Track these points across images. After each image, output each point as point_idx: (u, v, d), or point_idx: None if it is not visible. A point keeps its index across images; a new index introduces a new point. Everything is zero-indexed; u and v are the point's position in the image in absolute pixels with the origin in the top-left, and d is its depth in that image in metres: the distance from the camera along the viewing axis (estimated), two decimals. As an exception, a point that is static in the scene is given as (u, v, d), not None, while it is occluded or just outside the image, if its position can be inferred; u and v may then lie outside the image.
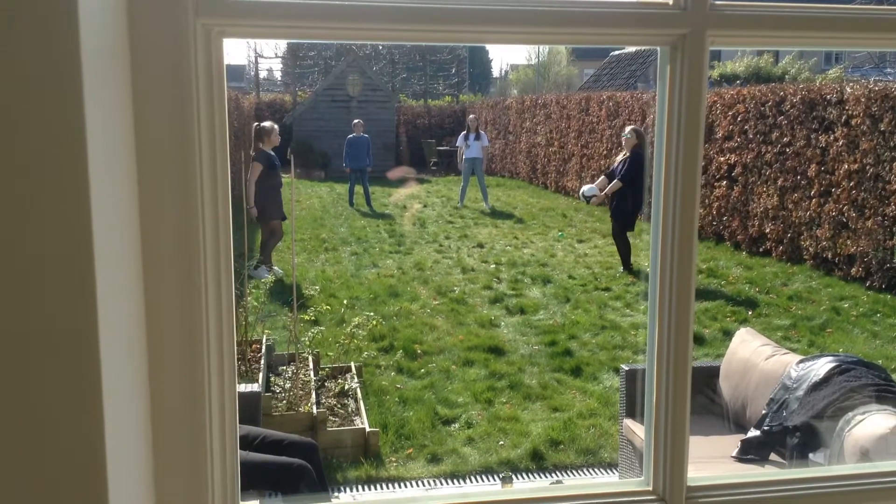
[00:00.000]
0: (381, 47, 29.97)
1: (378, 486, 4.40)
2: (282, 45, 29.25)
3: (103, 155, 0.74)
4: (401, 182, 20.05)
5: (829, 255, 9.34)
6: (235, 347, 0.96)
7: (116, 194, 0.79)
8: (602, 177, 9.92)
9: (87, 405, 0.74)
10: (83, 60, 0.70)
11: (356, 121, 15.58)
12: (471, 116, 16.18)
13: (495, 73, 58.91)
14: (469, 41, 0.91)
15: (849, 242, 9.01)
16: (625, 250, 9.55)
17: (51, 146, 0.70)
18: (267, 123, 8.99)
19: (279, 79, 32.07)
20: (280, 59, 29.17)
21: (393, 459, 4.66)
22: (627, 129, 9.47)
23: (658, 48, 0.90)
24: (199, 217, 0.87)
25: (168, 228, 0.86)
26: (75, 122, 0.70)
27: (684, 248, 0.95)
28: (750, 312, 7.83)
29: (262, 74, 30.30)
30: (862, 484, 1.04)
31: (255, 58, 27.66)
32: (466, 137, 15.15)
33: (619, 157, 9.60)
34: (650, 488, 0.95)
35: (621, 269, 9.61)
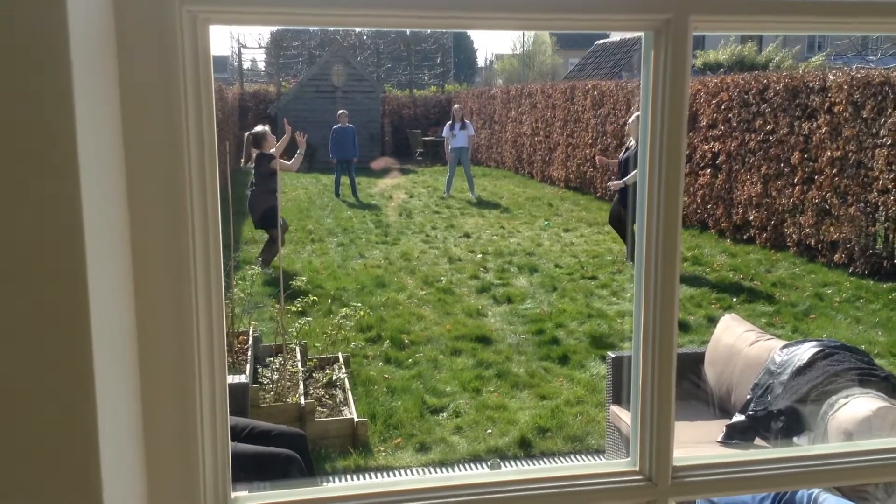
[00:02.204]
0: (365, 37, 29.86)
1: (367, 476, 4.41)
2: (265, 34, 29.06)
3: (92, 146, 0.74)
4: (385, 172, 20.03)
5: (813, 242, 9.42)
6: (225, 340, 0.96)
7: (105, 185, 0.79)
8: (615, 160, 9.46)
9: (81, 398, 0.74)
10: (72, 52, 0.69)
11: (341, 111, 15.52)
12: (455, 106, 16.15)
13: (480, 62, 58.86)
14: (452, 27, 0.91)
15: (832, 229, 9.09)
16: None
17: (40, 137, 0.70)
18: (260, 128, 8.51)
19: (263, 69, 31.91)
20: (264, 50, 29.00)
21: (381, 449, 4.67)
22: (633, 116, 9.27)
23: (642, 34, 0.91)
24: (188, 207, 0.87)
25: (157, 219, 0.86)
26: (64, 113, 0.70)
27: (669, 234, 0.96)
28: (734, 299, 7.89)
29: (246, 65, 30.11)
30: (844, 463, 1.06)
31: (239, 48, 27.47)
32: (452, 127, 15.14)
33: (627, 143, 9.21)
34: (636, 468, 0.96)
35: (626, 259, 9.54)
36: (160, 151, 0.85)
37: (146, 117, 0.84)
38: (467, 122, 15.54)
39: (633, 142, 8.73)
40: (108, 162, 0.81)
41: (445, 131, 15.48)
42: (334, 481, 4.33)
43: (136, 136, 0.84)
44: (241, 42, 27.65)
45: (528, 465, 4.58)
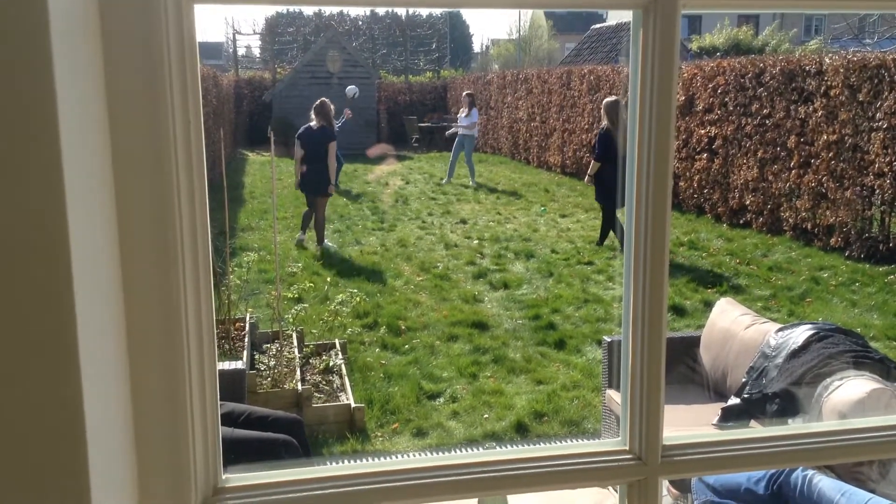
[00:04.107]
0: (360, 22, 29.72)
1: (364, 461, 4.43)
2: (260, 20, 28.93)
3: (76, 134, 0.74)
4: (381, 159, 19.98)
5: (809, 226, 9.43)
6: (215, 324, 0.96)
7: (90, 174, 0.79)
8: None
9: (66, 386, 0.73)
10: (52, 35, 0.69)
11: (347, 109, 15.34)
12: (464, 94, 16.15)
13: (476, 47, 58.63)
14: (441, 5, 0.91)
15: (828, 213, 9.10)
16: (606, 229, 9.54)
17: (21, 128, 0.69)
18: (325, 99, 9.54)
19: (258, 55, 31.76)
20: (258, 36, 28.84)
21: (378, 434, 4.69)
22: (609, 98, 9.43)
23: (631, 12, 0.90)
24: (175, 194, 0.86)
25: (144, 206, 0.86)
26: (46, 103, 0.69)
27: (658, 216, 0.95)
28: (729, 284, 7.91)
29: (241, 51, 29.99)
30: (834, 441, 1.06)
31: (234, 34, 27.32)
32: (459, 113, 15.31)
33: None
34: (627, 448, 0.97)
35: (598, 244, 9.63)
36: (146, 137, 0.84)
37: (132, 103, 0.83)
38: (473, 109, 15.49)
39: (605, 123, 9.09)
40: (93, 150, 0.80)
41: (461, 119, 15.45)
42: (332, 465, 4.35)
43: (122, 122, 0.83)
44: (235, 28, 27.52)
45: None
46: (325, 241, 9.69)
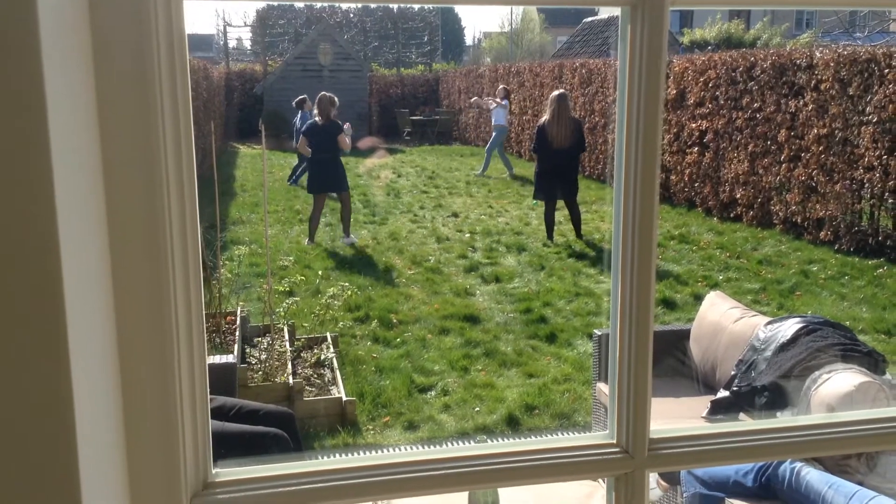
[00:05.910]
0: (352, 15, 29.62)
1: (355, 454, 4.43)
2: (251, 13, 28.80)
3: (65, 130, 0.74)
4: (372, 151, 19.95)
5: (799, 220, 9.47)
6: (204, 319, 0.96)
7: (80, 169, 0.79)
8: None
9: (56, 382, 0.73)
10: (42, 33, 0.69)
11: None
12: (500, 87, 16.25)
13: (468, 40, 58.51)
14: (434, 2, 0.91)
15: (818, 206, 9.14)
16: (548, 223, 9.63)
17: (10, 123, 0.69)
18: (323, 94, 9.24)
19: (249, 48, 31.62)
20: (249, 28, 28.71)
21: (370, 428, 4.70)
22: (556, 92, 9.51)
23: (619, 8, 0.91)
24: (164, 189, 0.86)
25: (132, 201, 0.86)
26: (35, 99, 0.69)
27: (645, 211, 0.96)
28: (721, 277, 7.94)
29: (232, 44, 29.86)
30: (822, 434, 1.07)
31: (224, 27, 27.22)
32: None
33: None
34: (614, 441, 0.98)
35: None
36: (135, 132, 0.84)
37: (119, 97, 0.83)
38: (506, 101, 15.65)
39: (546, 116, 9.24)
40: (82, 144, 0.80)
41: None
42: (322, 460, 4.36)
43: (110, 117, 0.83)
44: (226, 20, 27.40)
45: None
46: (352, 234, 9.56)
